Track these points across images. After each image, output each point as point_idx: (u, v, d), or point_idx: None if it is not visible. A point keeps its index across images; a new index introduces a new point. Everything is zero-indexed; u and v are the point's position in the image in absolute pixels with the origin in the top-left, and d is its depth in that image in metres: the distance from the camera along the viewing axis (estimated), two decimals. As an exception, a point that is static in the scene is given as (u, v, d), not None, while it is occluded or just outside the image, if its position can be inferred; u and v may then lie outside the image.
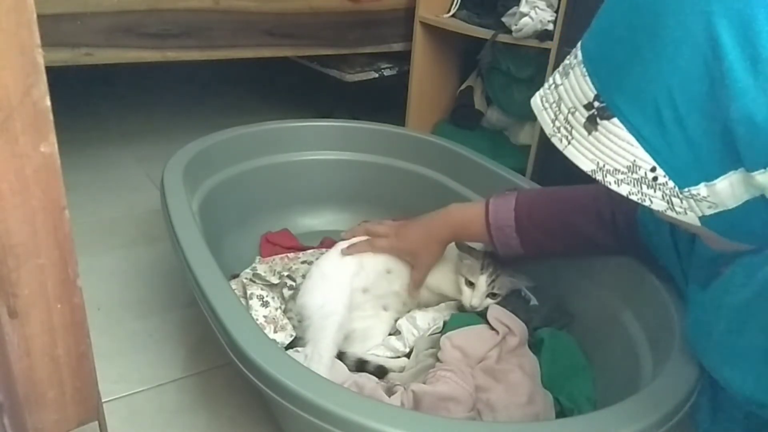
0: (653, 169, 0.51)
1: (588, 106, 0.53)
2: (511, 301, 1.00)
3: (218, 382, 0.99)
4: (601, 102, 0.52)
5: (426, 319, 0.99)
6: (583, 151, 0.54)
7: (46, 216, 0.39)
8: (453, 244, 1.00)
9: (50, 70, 0.37)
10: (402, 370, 0.94)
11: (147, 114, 2.11)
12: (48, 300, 0.42)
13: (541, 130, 1.43)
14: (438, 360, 0.89)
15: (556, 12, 1.43)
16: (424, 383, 0.83)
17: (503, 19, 1.60)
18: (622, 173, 0.53)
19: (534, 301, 1.05)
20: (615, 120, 0.52)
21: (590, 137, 0.54)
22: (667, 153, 0.51)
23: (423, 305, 1.04)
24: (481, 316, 0.95)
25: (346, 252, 1.02)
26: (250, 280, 1.09)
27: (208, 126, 1.29)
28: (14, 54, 0.34)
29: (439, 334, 0.94)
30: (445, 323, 0.96)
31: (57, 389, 0.47)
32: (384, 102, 2.04)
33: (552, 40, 1.42)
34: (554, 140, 0.56)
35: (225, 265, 0.93)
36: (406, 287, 1.03)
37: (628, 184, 0.53)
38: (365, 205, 1.39)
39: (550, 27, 1.47)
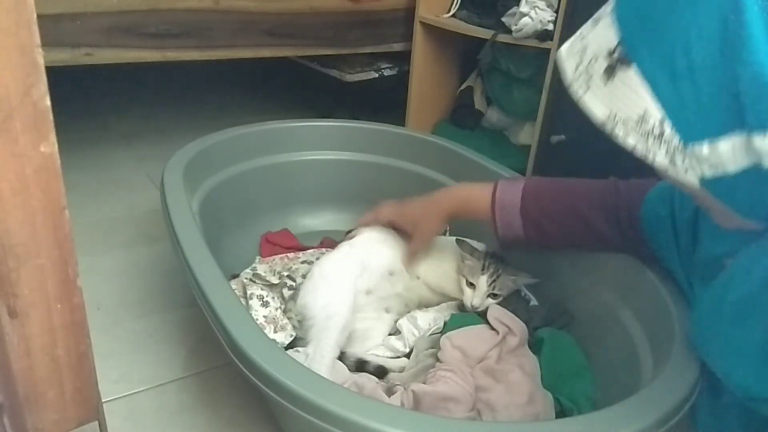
0: (661, 122, 0.53)
1: (609, 54, 0.55)
2: (512, 301, 1.00)
3: (218, 382, 0.99)
4: (623, 49, 0.54)
5: (427, 319, 0.99)
6: (599, 99, 0.56)
7: (46, 216, 0.39)
8: (455, 243, 1.00)
9: (50, 70, 0.37)
10: (402, 370, 0.94)
11: (147, 114, 2.11)
12: (48, 300, 0.42)
13: (541, 129, 1.44)
14: (438, 360, 0.89)
15: (556, 12, 1.43)
16: (424, 383, 0.83)
17: (503, 19, 1.60)
18: (632, 124, 0.54)
19: (534, 302, 1.05)
20: (632, 69, 0.53)
21: (607, 85, 0.55)
22: (676, 105, 0.52)
23: (424, 305, 1.04)
24: (481, 316, 0.95)
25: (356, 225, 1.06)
26: (250, 280, 1.09)
27: (208, 126, 1.29)
28: (14, 54, 0.34)
29: (439, 334, 0.94)
30: (445, 323, 0.96)
31: (57, 389, 0.47)
32: (384, 102, 2.04)
33: (552, 40, 1.42)
34: (573, 88, 0.58)
35: (225, 265, 0.93)
36: (408, 288, 1.03)
37: (635, 135, 0.54)
38: (365, 205, 1.38)
39: (550, 27, 1.47)
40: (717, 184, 0.53)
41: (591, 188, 0.90)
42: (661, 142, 0.53)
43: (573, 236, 0.92)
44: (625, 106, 0.54)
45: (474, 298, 0.96)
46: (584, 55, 0.57)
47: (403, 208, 1.04)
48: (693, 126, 0.52)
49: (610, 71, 0.55)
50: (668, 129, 0.53)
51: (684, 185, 0.56)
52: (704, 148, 0.52)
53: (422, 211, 1.01)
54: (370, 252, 1.04)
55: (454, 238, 1.02)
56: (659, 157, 0.54)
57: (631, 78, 0.53)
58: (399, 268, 1.03)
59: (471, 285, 0.97)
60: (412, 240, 1.02)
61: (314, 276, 1.00)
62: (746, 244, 0.60)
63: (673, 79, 0.51)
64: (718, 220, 0.63)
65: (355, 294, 0.97)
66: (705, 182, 0.54)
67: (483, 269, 0.96)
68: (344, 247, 1.06)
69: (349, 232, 1.19)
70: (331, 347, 0.88)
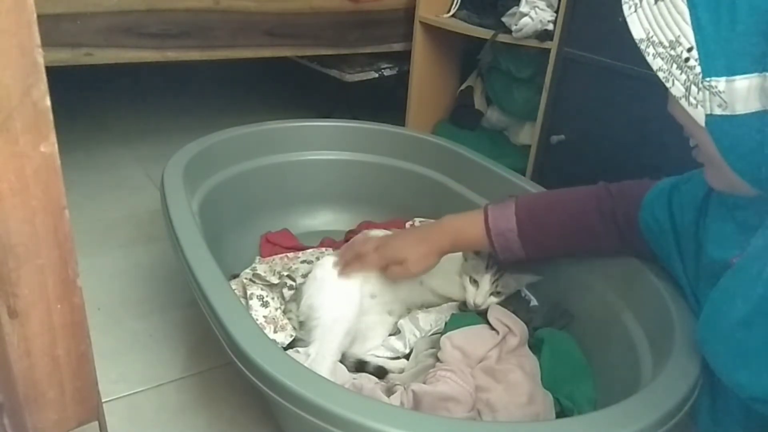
0: (689, 50, 0.56)
1: None
2: (512, 301, 1.00)
3: (218, 382, 0.99)
4: None
5: (428, 320, 0.99)
6: (643, 19, 0.59)
7: (46, 216, 0.40)
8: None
9: (50, 70, 0.37)
10: (401, 371, 0.94)
11: (147, 114, 2.11)
12: (48, 300, 0.42)
13: (541, 129, 1.44)
14: (438, 360, 0.89)
15: (556, 12, 1.43)
16: (424, 383, 0.83)
17: (503, 19, 1.60)
18: (663, 47, 0.58)
19: (534, 302, 1.05)
20: None
21: (655, 6, 0.58)
22: (709, 33, 0.55)
23: (426, 306, 1.04)
24: (482, 316, 0.95)
25: (341, 274, 0.98)
26: (250, 280, 1.09)
27: (208, 126, 1.29)
28: (14, 54, 0.34)
29: (439, 335, 0.94)
30: (445, 323, 0.96)
31: (57, 389, 0.47)
32: (384, 102, 2.04)
33: (552, 40, 1.42)
34: (625, 6, 0.61)
35: (225, 265, 0.93)
36: (412, 293, 1.03)
37: (662, 59, 0.58)
38: (365, 205, 1.39)
39: (550, 27, 1.47)
40: (722, 125, 0.56)
41: (583, 195, 0.90)
42: (683, 70, 0.56)
43: (574, 245, 0.92)
44: (662, 30, 0.58)
45: (477, 296, 0.96)
46: None
47: (389, 251, 0.95)
48: (717, 59, 0.54)
49: None
50: (693, 58, 0.56)
51: (690, 124, 0.59)
52: (721, 83, 0.54)
53: (413, 249, 0.94)
54: None
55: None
56: (678, 85, 0.57)
57: (677, 2, 0.57)
58: None
59: (474, 282, 0.97)
60: (398, 268, 0.94)
61: (317, 277, 1.00)
62: (749, 245, 0.60)
63: (714, 8, 0.54)
64: (711, 180, 0.65)
65: (362, 298, 0.97)
66: (710, 122, 0.56)
67: (487, 267, 0.96)
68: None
69: (350, 232, 1.19)
70: (333, 349, 0.88)
